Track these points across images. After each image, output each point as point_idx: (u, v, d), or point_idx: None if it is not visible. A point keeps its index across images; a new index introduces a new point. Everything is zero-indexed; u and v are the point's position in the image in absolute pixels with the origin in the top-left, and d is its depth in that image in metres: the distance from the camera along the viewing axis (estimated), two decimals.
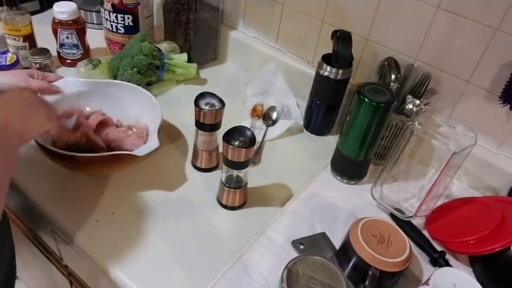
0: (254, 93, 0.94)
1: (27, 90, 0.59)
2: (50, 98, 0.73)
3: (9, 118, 0.50)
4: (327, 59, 0.80)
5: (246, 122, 0.86)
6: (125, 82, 0.82)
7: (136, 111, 0.78)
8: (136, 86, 0.80)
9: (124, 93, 0.79)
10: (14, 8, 0.89)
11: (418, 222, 0.71)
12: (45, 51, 0.87)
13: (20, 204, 0.73)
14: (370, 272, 0.56)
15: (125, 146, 0.73)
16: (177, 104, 0.91)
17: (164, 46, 0.97)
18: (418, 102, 0.73)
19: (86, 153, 0.64)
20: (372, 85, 0.68)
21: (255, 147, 0.72)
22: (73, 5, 0.94)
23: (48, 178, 0.70)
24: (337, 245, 0.64)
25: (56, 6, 0.93)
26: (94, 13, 1.12)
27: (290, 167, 0.80)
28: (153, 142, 0.66)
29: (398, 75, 0.75)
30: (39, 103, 0.57)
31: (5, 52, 0.90)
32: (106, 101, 0.79)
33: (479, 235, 0.62)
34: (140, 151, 0.65)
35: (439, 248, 0.66)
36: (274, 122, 0.88)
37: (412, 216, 0.68)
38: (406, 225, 0.68)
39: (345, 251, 0.60)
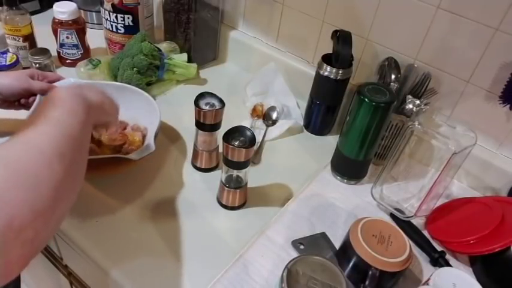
0: (254, 93, 0.94)
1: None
2: None
3: (94, 98, 0.53)
4: (327, 59, 0.80)
5: (246, 122, 0.86)
6: (125, 84, 0.82)
7: (135, 114, 0.78)
8: (137, 88, 0.79)
9: (124, 95, 0.78)
10: (14, 8, 0.89)
11: (418, 222, 0.71)
12: (45, 51, 0.87)
13: None
14: (370, 272, 0.56)
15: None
16: (177, 104, 0.91)
17: (164, 46, 0.97)
18: (418, 102, 0.73)
19: None
20: (372, 85, 0.68)
21: (255, 147, 0.72)
22: (73, 5, 0.94)
23: None
24: (337, 245, 0.64)
25: (56, 6, 0.93)
26: (94, 13, 1.12)
27: (290, 167, 0.80)
28: (149, 146, 0.66)
29: (398, 75, 0.75)
30: (113, 99, 0.61)
31: (5, 52, 0.90)
32: None
33: (479, 235, 0.62)
34: (135, 155, 0.65)
35: (439, 248, 0.66)
36: (274, 122, 0.88)
37: (412, 216, 0.68)
38: (406, 225, 0.68)
39: (345, 251, 0.60)
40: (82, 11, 1.08)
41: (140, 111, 0.77)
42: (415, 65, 0.77)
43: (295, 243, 0.64)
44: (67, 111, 0.46)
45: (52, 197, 0.39)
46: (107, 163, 0.66)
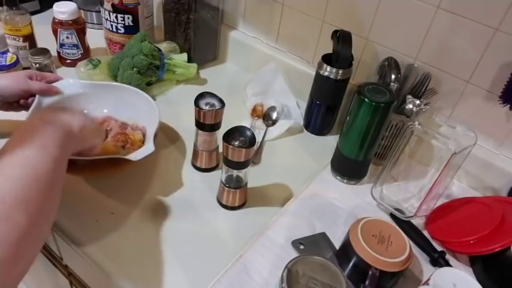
0: (254, 93, 0.94)
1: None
2: (49, 99, 0.73)
3: (73, 124, 0.49)
4: (327, 59, 0.80)
5: (246, 122, 0.86)
6: (124, 85, 0.82)
7: (134, 114, 0.77)
8: (136, 88, 0.79)
9: (123, 95, 0.79)
10: (14, 8, 0.89)
11: (418, 222, 0.71)
12: (45, 51, 0.87)
13: None
14: (370, 272, 0.56)
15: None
16: (177, 104, 0.91)
17: (164, 46, 0.97)
18: (418, 102, 0.73)
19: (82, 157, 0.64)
20: (372, 85, 0.68)
21: (255, 147, 0.72)
22: (73, 5, 0.94)
23: None
24: (337, 245, 0.64)
25: (56, 6, 0.93)
26: (94, 13, 1.12)
27: (290, 167, 0.80)
28: (149, 146, 0.66)
29: (399, 75, 0.75)
30: (93, 119, 0.57)
31: (5, 52, 0.90)
32: (105, 103, 0.79)
33: (479, 235, 0.62)
34: (135, 156, 0.65)
35: (439, 248, 0.66)
36: (274, 122, 0.88)
37: (412, 216, 0.68)
38: (406, 225, 0.68)
39: (345, 251, 0.60)
40: (82, 11, 1.08)
41: (140, 112, 0.77)
42: (415, 65, 0.77)
43: (295, 243, 0.64)
44: (37, 148, 0.40)
45: (10, 256, 0.33)
46: (106, 164, 0.66)
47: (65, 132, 0.46)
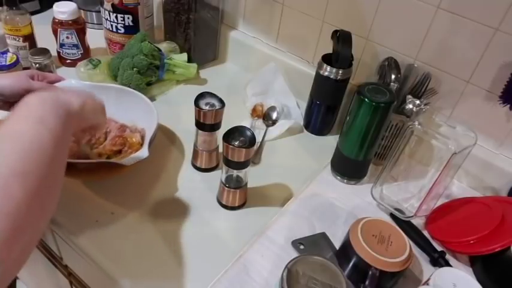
0: (254, 93, 0.94)
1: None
2: None
3: (72, 101, 0.47)
4: (327, 59, 0.80)
5: (246, 122, 0.86)
6: (124, 87, 0.81)
7: (134, 116, 0.77)
8: (136, 91, 0.79)
9: (123, 97, 0.78)
10: (14, 8, 0.89)
11: (418, 222, 0.71)
12: (45, 51, 0.87)
13: None
14: (370, 272, 0.56)
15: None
16: (177, 104, 0.91)
17: (164, 46, 0.97)
18: (418, 102, 0.73)
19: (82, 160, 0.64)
20: (372, 85, 0.68)
21: (255, 147, 0.72)
22: (73, 5, 0.94)
23: None
24: (337, 245, 0.64)
25: (56, 6, 0.93)
26: (94, 13, 1.12)
27: (290, 167, 0.80)
28: (143, 151, 0.65)
29: (399, 75, 0.75)
30: (96, 98, 0.55)
31: (5, 52, 0.90)
32: (105, 105, 0.78)
33: (479, 235, 0.62)
34: (127, 161, 0.64)
35: (439, 248, 0.66)
36: (274, 122, 0.88)
37: (412, 216, 0.68)
38: (406, 225, 0.68)
39: (345, 251, 0.61)
40: (82, 11, 1.08)
41: (139, 115, 0.77)
42: (415, 65, 0.77)
43: (295, 243, 0.64)
44: (33, 121, 0.40)
45: (7, 227, 0.32)
46: (102, 167, 0.66)
47: (64, 109, 0.44)
